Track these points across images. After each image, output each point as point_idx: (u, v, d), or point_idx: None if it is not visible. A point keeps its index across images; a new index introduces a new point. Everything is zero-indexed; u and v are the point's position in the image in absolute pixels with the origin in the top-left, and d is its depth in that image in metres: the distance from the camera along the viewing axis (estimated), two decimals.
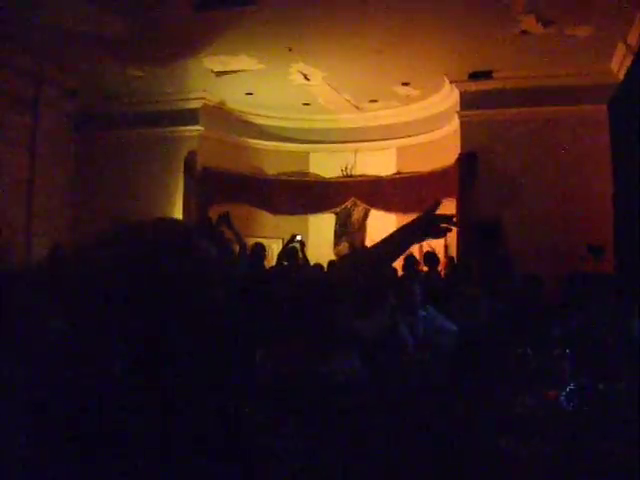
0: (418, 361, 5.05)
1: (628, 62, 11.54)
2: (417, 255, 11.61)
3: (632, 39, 11.12)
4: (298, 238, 10.88)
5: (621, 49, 11.68)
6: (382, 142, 15.72)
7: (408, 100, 14.67)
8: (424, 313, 6.06)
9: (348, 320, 4.91)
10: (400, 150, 15.64)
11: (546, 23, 10.77)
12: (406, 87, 13.86)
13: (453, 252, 13.46)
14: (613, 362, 4.76)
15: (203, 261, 2.16)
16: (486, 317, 6.57)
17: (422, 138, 15.12)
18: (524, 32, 11.09)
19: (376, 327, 5.32)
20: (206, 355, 2.13)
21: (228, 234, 9.43)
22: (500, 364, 4.81)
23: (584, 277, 10.07)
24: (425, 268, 11.25)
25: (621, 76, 12.06)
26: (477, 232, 12.57)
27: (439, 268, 11.66)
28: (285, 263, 10.37)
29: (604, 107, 12.56)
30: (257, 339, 3.23)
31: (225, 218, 9.66)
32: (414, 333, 5.76)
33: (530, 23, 10.76)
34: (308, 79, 13.30)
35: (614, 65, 12.32)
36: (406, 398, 4.09)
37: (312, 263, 10.90)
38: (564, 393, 4.26)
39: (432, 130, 14.86)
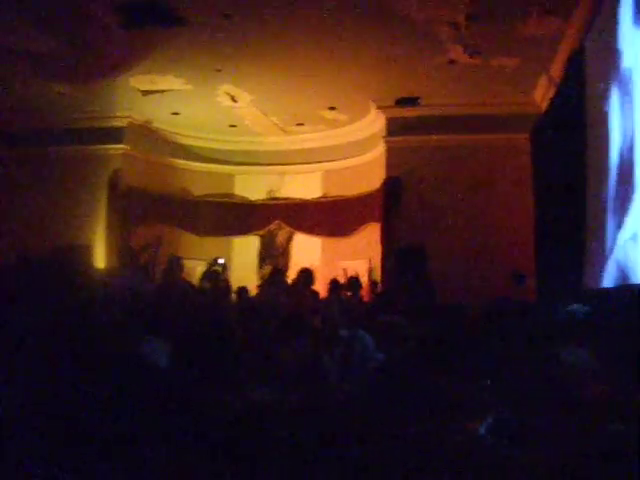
0: (341, 390, 4.99)
1: (551, 93, 11.77)
2: (341, 279, 11.59)
3: (555, 71, 11.35)
4: (220, 261, 10.80)
5: (544, 81, 11.92)
6: (308, 165, 15.71)
7: (335, 124, 14.70)
8: (351, 339, 6.00)
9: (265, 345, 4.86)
10: (326, 174, 15.65)
11: (473, 53, 10.93)
12: (333, 111, 13.89)
13: (377, 276, 13.50)
14: (537, 394, 4.76)
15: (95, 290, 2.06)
16: (410, 346, 6.54)
17: (348, 162, 15.15)
18: (451, 61, 11.24)
19: (298, 353, 5.25)
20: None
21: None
22: (423, 395, 4.78)
23: (506, 303, 10.15)
24: (349, 293, 11.22)
25: (544, 107, 12.29)
26: (401, 257, 12.61)
27: (362, 293, 11.66)
28: (207, 285, 10.28)
29: (527, 136, 12.78)
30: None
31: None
32: (335, 358, 5.71)
33: (457, 53, 10.91)
34: (235, 101, 13.23)
35: (537, 96, 12.56)
36: (326, 429, 4.01)
37: (235, 286, 10.81)
38: (484, 426, 4.23)
39: (358, 155, 14.90)
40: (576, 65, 9.59)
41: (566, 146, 10.06)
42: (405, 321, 7.31)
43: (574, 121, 9.51)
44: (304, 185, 15.70)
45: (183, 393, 3.04)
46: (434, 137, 13.35)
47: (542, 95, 12.38)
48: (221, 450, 2.98)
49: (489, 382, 4.81)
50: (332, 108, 13.72)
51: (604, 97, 8.25)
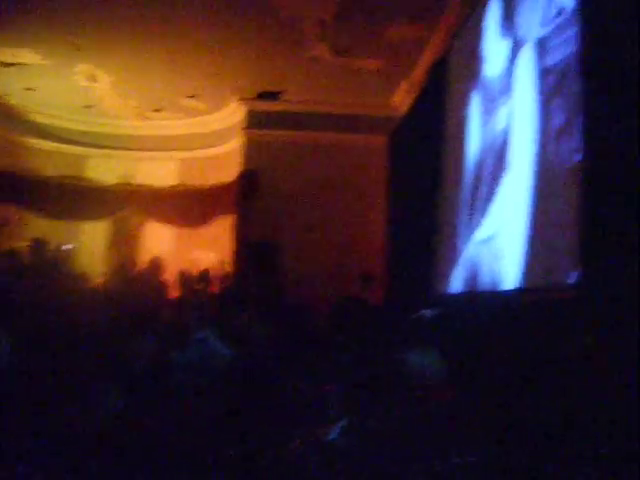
0: (191, 387, 4.85)
1: (410, 98, 11.95)
2: (192, 271, 11.42)
3: (416, 77, 11.53)
4: (66, 247, 10.43)
5: (405, 85, 12.09)
6: (165, 152, 15.37)
7: (194, 113, 14.42)
8: (200, 335, 5.85)
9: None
10: (183, 162, 15.37)
11: (337, 52, 10.96)
12: (193, 99, 13.61)
13: (229, 269, 13.36)
14: (385, 397, 4.76)
15: None
16: (260, 344, 6.47)
17: (206, 152, 14.93)
18: (315, 58, 11.21)
19: (144, 353, 5.06)
20: None
21: None
22: (272, 397, 4.70)
23: (353, 304, 10.22)
24: (199, 286, 11.06)
25: (403, 111, 12.47)
26: (253, 252, 12.53)
27: (213, 286, 11.50)
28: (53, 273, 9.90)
29: (385, 138, 12.95)
30: None
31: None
32: (186, 356, 5.56)
33: (322, 50, 10.90)
34: (94, 81, 12.76)
35: (397, 99, 12.73)
36: (174, 428, 3.88)
37: (81, 272, 10.46)
38: (335, 430, 4.19)
39: (217, 145, 14.71)
40: (438, 71, 9.74)
41: (422, 151, 10.24)
42: (255, 319, 7.24)
43: (432, 127, 9.67)
44: (160, 172, 15.35)
45: (23, 398, 2.83)
46: (294, 133, 13.35)
47: (402, 99, 12.55)
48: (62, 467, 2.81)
49: (338, 386, 4.78)
50: (192, 96, 13.44)
51: (464, 103, 8.42)
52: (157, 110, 14.44)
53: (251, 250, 12.60)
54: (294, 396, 4.80)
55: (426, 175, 9.89)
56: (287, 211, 12.95)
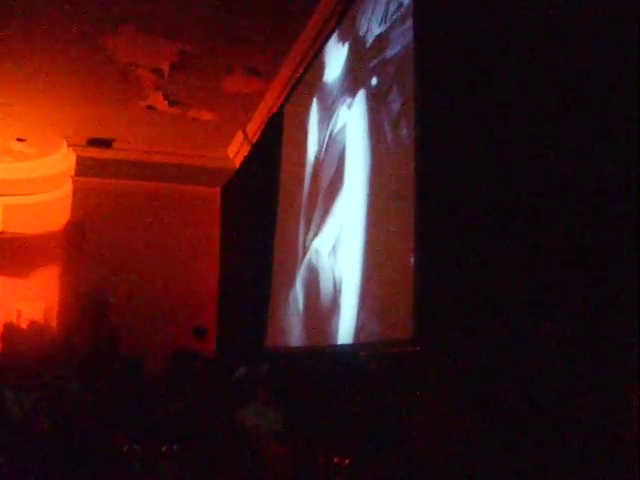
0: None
1: (245, 151, 12.00)
2: (16, 322, 10.97)
3: (250, 130, 11.60)
4: None
5: (239, 138, 12.13)
6: None
7: (22, 157, 13.83)
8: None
9: None
10: (7, 208, 14.68)
11: (172, 102, 10.87)
12: (21, 143, 13.04)
13: (53, 320, 12.85)
14: (224, 454, 4.69)
15: None
16: (83, 402, 6.23)
17: (33, 198, 14.32)
18: (150, 107, 11.08)
19: None
20: None
21: None
22: (94, 456, 4.53)
23: (186, 357, 10.04)
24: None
25: (237, 163, 12.52)
26: (82, 304, 12.14)
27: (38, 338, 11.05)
28: None
29: (218, 190, 12.93)
30: None
31: None
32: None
33: (157, 99, 10.79)
34: None
35: (231, 152, 12.76)
36: None
37: None
38: None
39: (45, 191, 14.15)
40: (274, 127, 9.81)
41: (256, 204, 10.26)
42: (74, 375, 6.97)
43: (266, 181, 9.70)
44: None
45: None
46: (126, 182, 13.11)
47: (236, 152, 12.59)
48: None
49: (174, 447, 4.66)
50: (21, 139, 12.89)
51: (298, 163, 8.47)
52: None
53: (79, 300, 12.19)
54: (120, 456, 4.64)
55: (259, 228, 9.89)
56: (117, 261, 12.63)
